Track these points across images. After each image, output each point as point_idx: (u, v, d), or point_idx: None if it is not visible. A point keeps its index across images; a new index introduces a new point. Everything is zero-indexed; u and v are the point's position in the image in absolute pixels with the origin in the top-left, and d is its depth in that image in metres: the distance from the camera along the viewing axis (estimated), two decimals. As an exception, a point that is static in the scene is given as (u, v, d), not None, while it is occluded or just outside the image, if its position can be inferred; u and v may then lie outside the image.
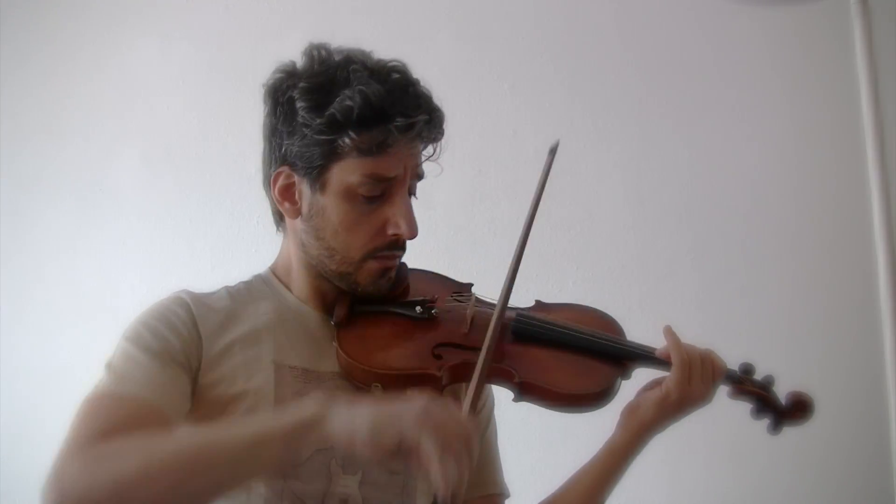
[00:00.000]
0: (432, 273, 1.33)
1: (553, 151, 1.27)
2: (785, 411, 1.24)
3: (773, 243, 2.12)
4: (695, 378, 1.17)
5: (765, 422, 1.25)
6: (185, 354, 1.10)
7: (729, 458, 2.05)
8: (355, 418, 0.93)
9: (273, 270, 1.25)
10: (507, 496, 1.28)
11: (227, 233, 2.29)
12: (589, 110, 2.23)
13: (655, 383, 1.21)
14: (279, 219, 1.23)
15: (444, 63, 2.29)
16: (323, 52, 1.17)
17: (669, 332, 1.21)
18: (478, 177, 2.23)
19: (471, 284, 1.30)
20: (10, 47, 2.46)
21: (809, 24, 2.10)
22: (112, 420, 1.00)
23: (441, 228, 2.16)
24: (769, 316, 2.07)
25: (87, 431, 0.98)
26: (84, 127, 2.42)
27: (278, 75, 1.18)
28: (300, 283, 1.21)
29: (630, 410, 1.20)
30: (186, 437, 0.97)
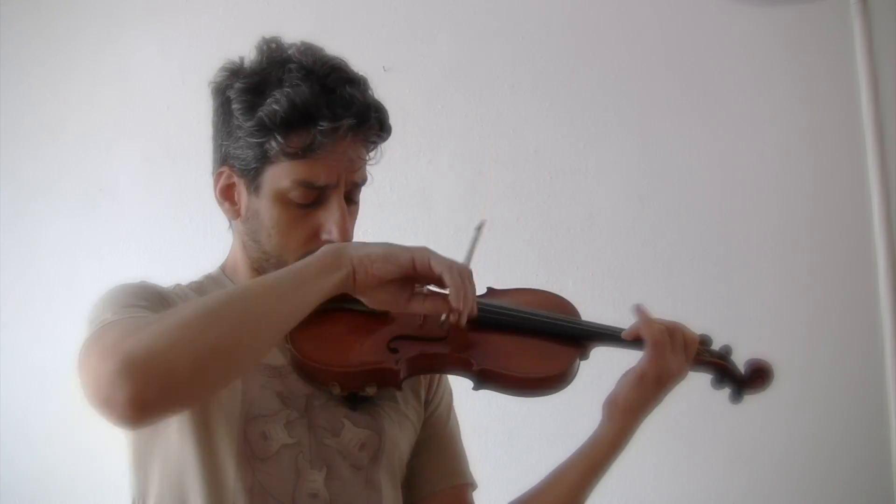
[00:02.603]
0: None
1: (479, 229, 1.23)
2: (745, 380, 1.24)
3: (774, 243, 2.12)
4: (668, 352, 1.16)
5: (727, 392, 1.25)
6: None
7: (729, 457, 2.05)
8: (370, 247, 1.05)
9: (223, 269, 1.24)
10: (475, 487, 1.27)
11: (227, 233, 2.29)
12: (589, 110, 2.23)
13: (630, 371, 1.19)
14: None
15: (444, 63, 2.29)
16: (273, 46, 1.15)
17: (640, 310, 1.21)
18: (478, 177, 2.23)
19: None
20: (10, 47, 2.46)
21: (809, 24, 2.10)
22: (131, 323, 0.95)
23: (441, 228, 2.16)
24: (769, 316, 2.07)
25: (116, 332, 0.93)
26: (84, 127, 2.42)
27: (221, 73, 1.17)
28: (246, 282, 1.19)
29: (611, 401, 1.19)
30: (230, 288, 1.04)
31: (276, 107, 1.08)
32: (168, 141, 2.36)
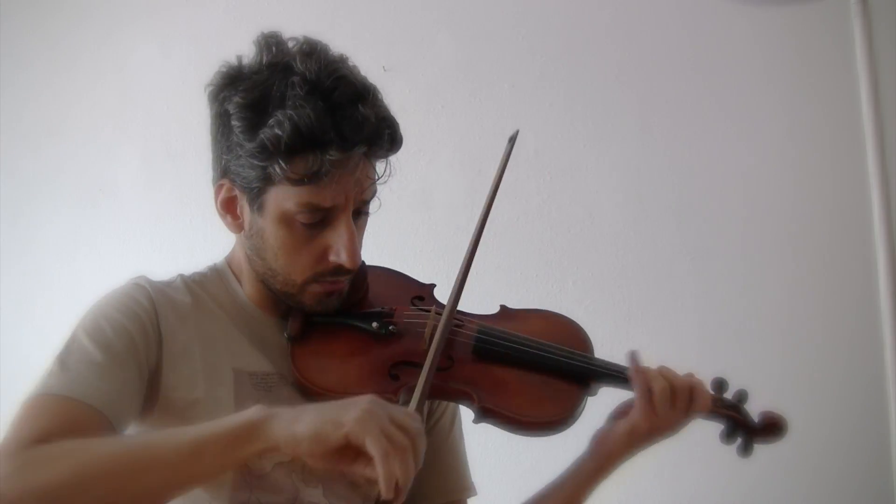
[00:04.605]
0: (393, 273, 1.28)
1: (512, 140, 1.20)
2: (757, 430, 1.19)
3: (773, 243, 2.11)
4: (661, 408, 1.11)
5: (735, 445, 1.21)
6: (146, 350, 1.05)
7: (729, 457, 2.05)
8: (298, 422, 0.89)
9: (229, 263, 1.22)
10: (474, 494, 1.26)
11: (227, 233, 2.29)
12: (589, 110, 2.23)
13: (626, 409, 1.16)
14: None
15: (444, 63, 2.29)
16: (273, 47, 1.09)
17: (632, 360, 1.14)
18: (478, 177, 2.23)
19: (433, 286, 1.26)
20: (10, 47, 2.46)
21: (809, 24, 2.09)
22: (54, 423, 0.96)
23: (441, 228, 2.16)
24: (769, 316, 2.06)
25: (27, 433, 0.95)
26: (84, 127, 2.42)
27: (218, 79, 1.12)
28: (252, 287, 1.18)
29: (600, 440, 1.16)
30: (123, 443, 0.95)
31: (278, 131, 1.01)
32: (168, 141, 2.36)
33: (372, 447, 0.86)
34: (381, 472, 0.86)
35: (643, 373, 1.12)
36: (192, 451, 0.90)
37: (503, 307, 1.25)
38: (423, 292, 1.24)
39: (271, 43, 1.10)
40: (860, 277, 1.97)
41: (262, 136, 1.03)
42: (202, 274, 1.21)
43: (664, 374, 1.13)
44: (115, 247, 2.35)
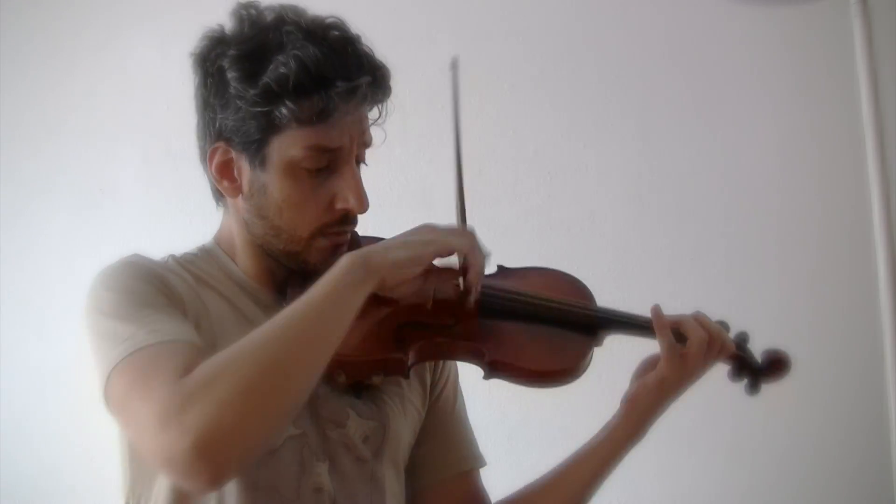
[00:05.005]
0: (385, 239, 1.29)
1: (454, 67, 1.25)
2: (761, 369, 1.22)
3: (774, 243, 2.12)
4: (689, 357, 1.14)
5: (744, 384, 1.24)
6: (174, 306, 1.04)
7: (729, 456, 2.05)
8: (390, 251, 1.01)
9: (218, 242, 1.20)
10: (484, 465, 1.27)
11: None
12: (589, 110, 2.23)
13: (649, 366, 1.18)
14: (219, 194, 1.18)
15: (445, 63, 2.28)
16: (253, 12, 1.10)
17: (656, 314, 1.19)
18: (478, 177, 2.23)
19: None
20: (9, 46, 2.46)
21: (809, 24, 2.10)
22: (170, 364, 0.89)
23: (441, 228, 2.16)
24: (769, 316, 2.07)
25: (160, 379, 0.87)
26: (84, 127, 2.42)
27: (205, 42, 1.12)
28: (246, 260, 1.16)
29: (631, 400, 1.16)
30: (263, 329, 0.91)
31: (283, 70, 1.01)
32: (168, 141, 2.35)
33: (461, 247, 1.06)
34: (474, 261, 1.06)
35: (667, 328, 1.16)
36: (330, 305, 0.94)
37: (500, 266, 1.27)
38: None
39: (250, 9, 1.11)
40: (860, 276, 1.97)
41: (265, 79, 1.02)
42: (192, 254, 1.21)
43: (701, 322, 1.18)
44: (115, 246, 2.33)
